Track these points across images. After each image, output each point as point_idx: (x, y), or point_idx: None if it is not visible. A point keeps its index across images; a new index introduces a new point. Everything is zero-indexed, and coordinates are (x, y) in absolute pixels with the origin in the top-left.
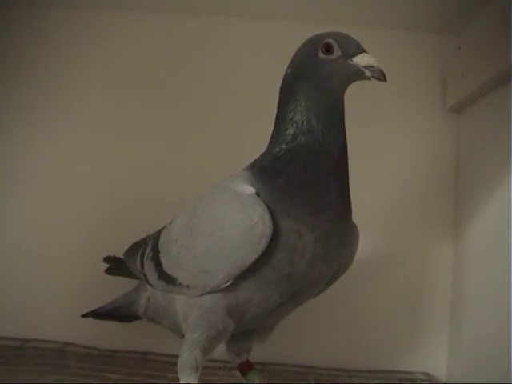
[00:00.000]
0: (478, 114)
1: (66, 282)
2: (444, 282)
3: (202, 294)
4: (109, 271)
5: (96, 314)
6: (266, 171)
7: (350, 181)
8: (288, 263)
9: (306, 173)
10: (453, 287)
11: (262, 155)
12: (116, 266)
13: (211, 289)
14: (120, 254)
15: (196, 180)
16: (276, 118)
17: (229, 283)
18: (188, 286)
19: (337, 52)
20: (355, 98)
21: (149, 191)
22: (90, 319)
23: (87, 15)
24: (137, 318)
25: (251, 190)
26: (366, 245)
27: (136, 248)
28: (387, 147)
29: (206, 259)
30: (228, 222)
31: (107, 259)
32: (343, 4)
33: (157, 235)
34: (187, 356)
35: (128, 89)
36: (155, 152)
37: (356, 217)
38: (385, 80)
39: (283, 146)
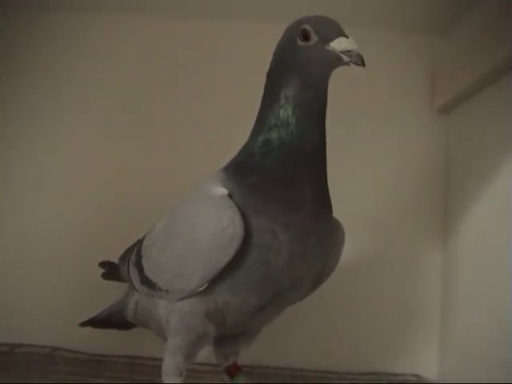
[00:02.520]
0: (466, 115)
1: (56, 287)
2: (434, 283)
3: (181, 299)
4: (105, 276)
5: (93, 322)
6: (239, 169)
7: (338, 181)
8: (264, 264)
9: (278, 169)
10: (443, 288)
11: (240, 149)
12: (111, 270)
13: (188, 292)
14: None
15: None
16: (260, 107)
17: (204, 286)
18: (167, 291)
19: (314, 38)
20: (343, 97)
21: (148, 197)
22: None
23: (83, 18)
24: (134, 325)
25: (223, 191)
26: (355, 246)
27: (126, 253)
28: (376, 147)
29: (182, 262)
30: (199, 224)
31: (102, 264)
32: (332, 5)
33: (142, 240)
34: (169, 361)
35: (126, 91)
36: (154, 158)
37: (344, 218)
38: (363, 65)
39: (259, 139)
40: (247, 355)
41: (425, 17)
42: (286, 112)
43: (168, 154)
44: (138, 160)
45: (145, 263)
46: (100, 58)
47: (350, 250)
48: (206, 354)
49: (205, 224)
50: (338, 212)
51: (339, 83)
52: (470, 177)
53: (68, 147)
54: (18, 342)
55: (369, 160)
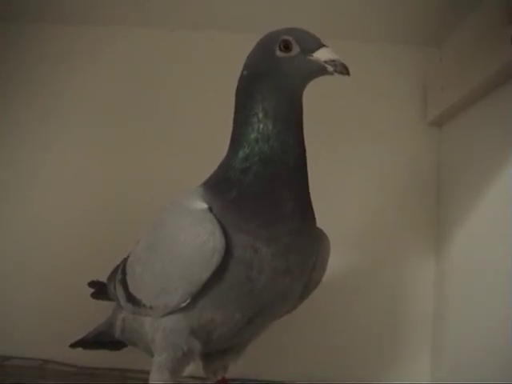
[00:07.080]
0: (459, 128)
1: (47, 299)
2: (426, 294)
3: (164, 315)
4: (94, 295)
5: (84, 343)
6: (219, 185)
7: (329, 193)
8: (246, 279)
9: (259, 184)
10: (435, 300)
11: (219, 165)
12: (100, 290)
13: (171, 308)
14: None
15: None
16: (233, 123)
17: (187, 302)
18: (151, 307)
19: (295, 49)
20: (337, 110)
21: (147, 201)
22: (68, 337)
23: (77, 31)
24: (124, 344)
25: (203, 205)
26: (346, 258)
27: (114, 272)
28: (367, 161)
29: (164, 278)
30: (180, 239)
31: (91, 284)
32: (322, 17)
33: (127, 257)
34: (156, 378)
35: (126, 93)
36: (153, 160)
37: (337, 231)
38: (348, 74)
39: (239, 154)
40: (238, 369)
41: (417, 30)
42: (266, 126)
43: (168, 156)
44: (138, 162)
45: (129, 280)
46: (100, 65)
47: (341, 263)
48: (193, 367)
49: (185, 238)
50: (328, 224)
51: (332, 96)
52: (462, 189)
53: (68, 149)
54: (7, 354)
55: (361, 172)
